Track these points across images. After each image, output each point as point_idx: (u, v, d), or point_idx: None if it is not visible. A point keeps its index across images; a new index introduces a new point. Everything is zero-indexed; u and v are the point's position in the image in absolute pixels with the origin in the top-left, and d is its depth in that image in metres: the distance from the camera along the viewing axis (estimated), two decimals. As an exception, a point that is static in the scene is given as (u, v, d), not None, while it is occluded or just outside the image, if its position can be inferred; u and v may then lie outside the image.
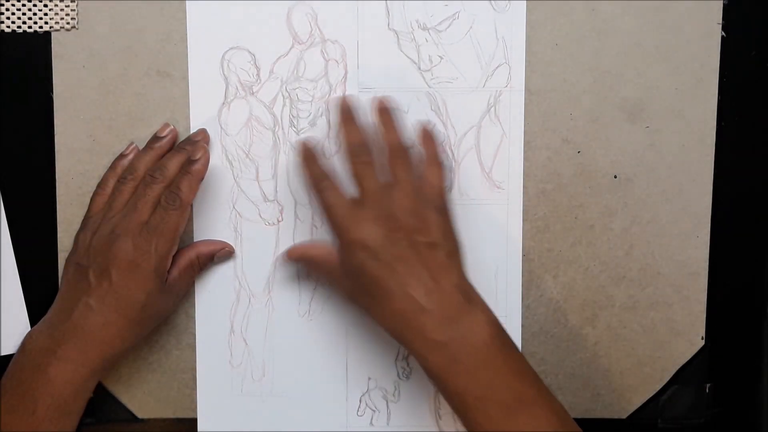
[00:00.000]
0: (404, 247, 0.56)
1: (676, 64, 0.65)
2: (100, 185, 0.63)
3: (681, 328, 0.67)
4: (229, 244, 0.65)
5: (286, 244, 0.65)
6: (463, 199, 0.65)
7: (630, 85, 0.65)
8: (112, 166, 0.63)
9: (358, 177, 0.59)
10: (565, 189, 0.66)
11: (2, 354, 0.64)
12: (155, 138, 0.63)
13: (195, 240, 0.65)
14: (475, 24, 0.64)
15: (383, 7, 0.64)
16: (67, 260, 0.62)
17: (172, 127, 0.63)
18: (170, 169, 0.61)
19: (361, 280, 0.56)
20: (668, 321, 0.67)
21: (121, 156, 0.63)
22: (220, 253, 0.64)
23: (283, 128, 0.65)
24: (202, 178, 0.61)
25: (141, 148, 0.64)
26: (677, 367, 0.67)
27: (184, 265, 0.62)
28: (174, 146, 0.63)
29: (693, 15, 0.64)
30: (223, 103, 0.65)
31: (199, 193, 0.63)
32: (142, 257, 0.59)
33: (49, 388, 0.58)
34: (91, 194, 0.64)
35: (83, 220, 0.62)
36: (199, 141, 0.63)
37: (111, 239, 0.59)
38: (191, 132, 0.64)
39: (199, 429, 0.67)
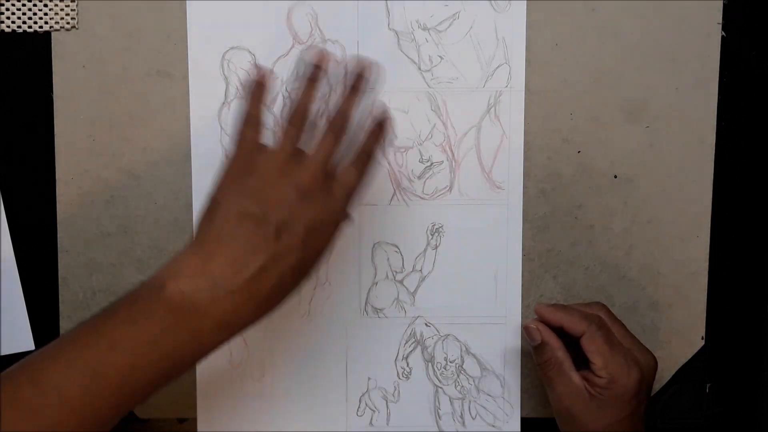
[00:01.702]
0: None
1: (676, 64, 0.65)
2: (248, 119, 0.55)
3: (681, 328, 0.67)
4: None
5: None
6: (463, 199, 0.65)
7: (630, 85, 0.65)
8: (254, 95, 0.56)
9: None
10: (565, 189, 0.66)
11: (2, 354, 0.64)
12: (315, 69, 0.56)
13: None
14: (475, 24, 0.64)
15: (383, 7, 0.64)
16: (222, 202, 0.53)
17: (324, 51, 0.57)
18: (352, 117, 0.55)
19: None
20: (668, 321, 0.67)
21: (259, 84, 0.56)
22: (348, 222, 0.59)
23: (283, 128, 0.65)
24: (388, 129, 0.57)
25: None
26: (677, 367, 0.67)
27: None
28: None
29: (693, 15, 0.64)
30: (223, 103, 0.65)
31: (200, 193, 0.63)
32: (331, 221, 0.54)
33: (198, 352, 0.52)
34: (91, 194, 0.64)
35: (236, 159, 0.54)
36: (369, 77, 0.57)
37: (299, 196, 0.52)
38: (191, 132, 0.64)
39: (198, 429, 0.67)
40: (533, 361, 0.63)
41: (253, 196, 0.52)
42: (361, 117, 0.57)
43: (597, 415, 0.59)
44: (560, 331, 0.61)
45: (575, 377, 0.60)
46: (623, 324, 0.62)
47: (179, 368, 0.52)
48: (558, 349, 0.61)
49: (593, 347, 0.59)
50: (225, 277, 0.51)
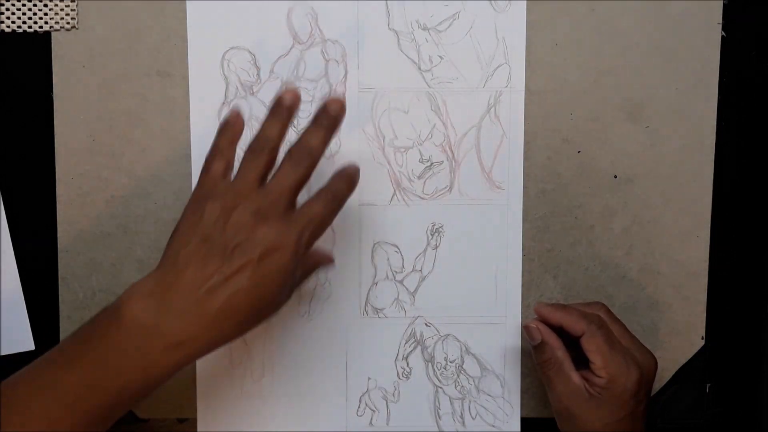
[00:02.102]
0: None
1: (676, 64, 0.65)
2: (215, 151, 0.55)
3: (681, 328, 0.67)
4: (331, 256, 0.62)
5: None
6: (463, 199, 0.65)
7: (630, 85, 0.65)
8: (222, 131, 0.56)
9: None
10: (565, 189, 0.66)
11: (2, 354, 0.64)
12: (279, 104, 0.55)
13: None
14: (475, 24, 0.64)
15: (383, 7, 0.64)
16: (184, 229, 0.54)
17: (296, 88, 0.56)
18: (318, 149, 0.54)
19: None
20: (668, 321, 0.67)
21: (228, 123, 0.56)
22: (327, 264, 0.61)
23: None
24: (356, 183, 0.56)
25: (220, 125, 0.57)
26: (677, 367, 0.67)
27: (304, 270, 0.57)
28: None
29: (693, 15, 0.64)
30: (223, 103, 0.65)
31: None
32: (287, 247, 0.52)
33: (145, 373, 0.52)
34: (90, 194, 0.65)
35: (199, 187, 0.55)
36: (340, 115, 0.55)
37: (255, 221, 0.52)
38: (191, 132, 0.64)
39: (198, 429, 0.67)
40: (533, 360, 0.63)
41: (210, 221, 0.53)
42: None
43: (596, 415, 0.59)
44: (560, 331, 0.61)
45: (575, 377, 0.60)
46: (623, 324, 0.62)
47: (132, 390, 0.52)
48: (558, 349, 0.61)
49: (593, 347, 0.59)
50: (174, 297, 0.51)
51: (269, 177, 0.54)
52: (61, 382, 0.52)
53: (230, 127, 0.56)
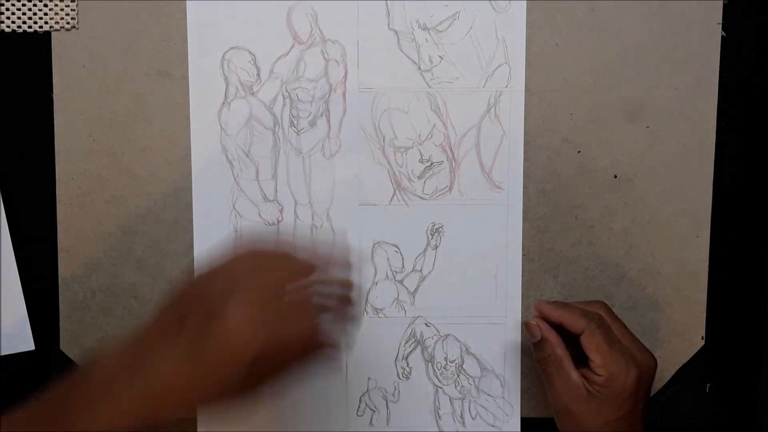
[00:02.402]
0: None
1: (676, 64, 0.65)
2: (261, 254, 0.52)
3: (681, 328, 0.67)
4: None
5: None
6: (463, 199, 0.66)
7: (630, 85, 0.65)
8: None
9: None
10: (565, 189, 0.66)
11: (2, 354, 0.64)
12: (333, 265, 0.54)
13: (194, 241, 0.65)
14: (475, 24, 0.64)
15: (383, 7, 0.64)
16: (173, 293, 0.51)
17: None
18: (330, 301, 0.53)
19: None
20: (668, 321, 0.67)
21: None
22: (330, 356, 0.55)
23: (283, 128, 0.65)
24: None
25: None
26: (677, 367, 0.67)
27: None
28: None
29: (693, 15, 0.64)
30: (223, 103, 0.65)
31: (200, 193, 0.64)
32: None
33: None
34: (90, 194, 0.65)
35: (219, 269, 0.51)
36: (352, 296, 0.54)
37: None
38: (191, 132, 0.64)
39: (198, 429, 0.67)
40: (533, 359, 0.63)
41: (195, 299, 0.50)
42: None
43: (595, 413, 0.59)
44: (560, 329, 0.61)
45: (574, 375, 0.60)
46: (623, 323, 0.62)
47: None
48: (557, 346, 0.61)
49: (592, 345, 0.59)
50: (137, 366, 0.49)
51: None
52: None
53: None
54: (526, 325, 0.62)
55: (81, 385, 0.50)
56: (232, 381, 0.51)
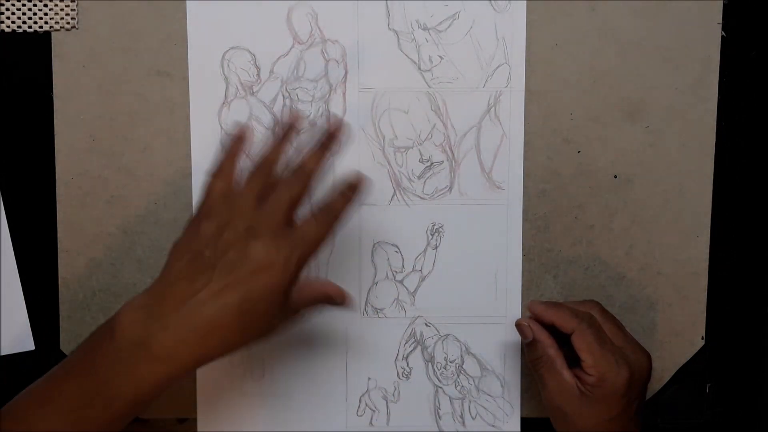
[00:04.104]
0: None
1: (676, 64, 0.65)
2: (218, 171, 0.56)
3: (681, 328, 0.67)
4: (352, 297, 0.60)
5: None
6: (463, 199, 0.66)
7: (630, 85, 0.65)
8: (230, 152, 0.56)
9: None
10: (565, 189, 0.66)
11: (2, 354, 0.64)
12: (285, 126, 0.57)
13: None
14: (475, 24, 0.64)
15: (383, 7, 0.64)
16: (180, 246, 0.54)
17: (299, 114, 0.58)
18: (314, 169, 0.55)
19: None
20: (668, 321, 0.67)
21: (238, 138, 0.57)
22: (342, 302, 0.59)
23: (283, 128, 0.65)
24: (361, 194, 0.56)
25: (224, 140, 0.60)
26: (677, 367, 0.67)
27: (308, 298, 0.57)
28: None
29: (693, 15, 0.64)
30: (223, 103, 0.65)
31: (199, 191, 0.63)
32: (277, 265, 0.52)
33: (133, 385, 0.52)
34: (90, 194, 0.65)
35: (201, 206, 0.55)
36: (338, 135, 0.56)
37: (247, 238, 0.52)
38: (191, 132, 0.64)
39: (198, 429, 0.67)
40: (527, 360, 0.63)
41: (204, 238, 0.53)
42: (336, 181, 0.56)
43: (587, 413, 0.59)
44: (554, 329, 0.61)
45: (566, 375, 0.60)
46: (618, 322, 0.62)
47: (123, 403, 0.52)
48: (549, 347, 0.61)
49: (583, 345, 0.59)
50: (162, 311, 0.52)
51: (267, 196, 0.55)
52: (60, 393, 0.53)
53: (236, 144, 0.57)
54: (518, 326, 0.62)
55: (115, 340, 0.52)
56: (275, 312, 0.54)
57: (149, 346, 0.51)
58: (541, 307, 0.62)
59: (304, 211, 0.55)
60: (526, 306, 0.64)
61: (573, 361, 0.60)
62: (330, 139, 0.56)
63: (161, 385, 0.52)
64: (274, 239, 0.53)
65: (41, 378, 0.55)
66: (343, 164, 0.65)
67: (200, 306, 0.52)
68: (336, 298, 0.59)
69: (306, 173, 0.55)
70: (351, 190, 0.56)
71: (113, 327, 0.52)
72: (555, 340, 0.61)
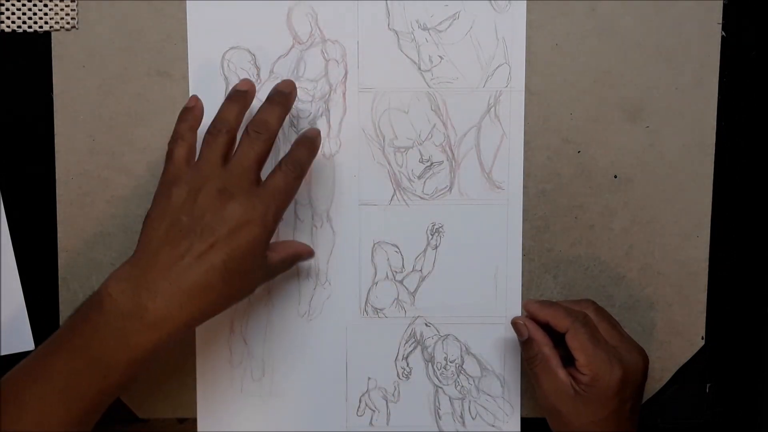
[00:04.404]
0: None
1: (676, 64, 0.65)
2: (176, 137, 0.58)
3: (681, 328, 0.67)
4: (312, 249, 0.64)
5: (286, 244, 0.65)
6: (463, 199, 0.65)
7: (630, 85, 0.65)
8: (182, 118, 0.59)
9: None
10: (565, 189, 0.66)
11: (2, 354, 0.64)
12: (236, 92, 0.59)
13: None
14: (476, 24, 0.64)
15: (383, 7, 0.64)
16: (154, 215, 0.55)
17: (251, 81, 0.60)
18: (273, 124, 0.57)
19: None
20: (668, 321, 0.67)
21: (187, 109, 0.59)
22: (305, 257, 0.63)
23: (283, 128, 0.65)
24: (318, 147, 0.60)
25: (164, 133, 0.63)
26: (677, 367, 0.67)
27: (282, 255, 0.60)
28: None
29: (693, 15, 0.64)
30: (223, 103, 0.65)
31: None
32: (255, 221, 0.55)
33: (127, 354, 0.53)
34: (90, 194, 0.65)
35: (165, 174, 0.57)
36: (291, 93, 0.60)
37: (221, 199, 0.55)
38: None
39: (199, 429, 0.67)
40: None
41: (178, 203, 0.55)
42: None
43: (581, 412, 0.60)
44: (550, 328, 0.61)
45: (561, 374, 0.60)
46: (614, 321, 0.62)
47: (116, 373, 0.53)
48: (544, 346, 0.61)
49: (576, 344, 0.59)
50: (149, 278, 0.53)
51: (230, 157, 0.57)
52: (52, 370, 0.53)
53: (189, 112, 0.59)
54: (513, 324, 0.63)
55: (104, 313, 0.53)
56: (256, 269, 0.57)
57: (140, 314, 0.53)
58: (536, 306, 0.62)
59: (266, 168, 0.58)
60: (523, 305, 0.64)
61: (568, 360, 0.60)
62: (282, 96, 0.59)
63: (154, 351, 0.53)
64: (249, 197, 0.55)
65: (29, 357, 0.55)
66: (343, 164, 0.65)
67: (187, 270, 0.53)
68: (303, 255, 0.63)
69: (267, 129, 0.57)
70: (310, 141, 0.59)
71: (101, 300, 0.53)
72: (551, 339, 0.61)
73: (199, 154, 0.57)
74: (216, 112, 0.65)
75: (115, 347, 0.53)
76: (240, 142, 0.57)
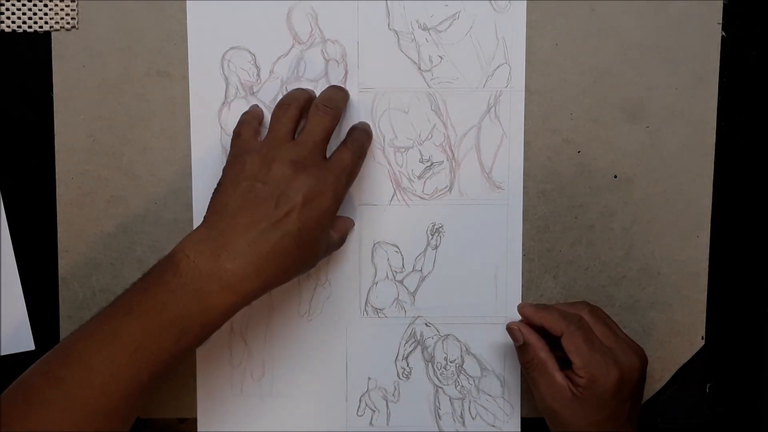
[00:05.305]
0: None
1: (676, 64, 0.65)
2: (242, 122, 0.62)
3: (681, 328, 0.67)
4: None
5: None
6: (463, 199, 0.66)
7: (630, 85, 0.65)
8: (246, 112, 0.63)
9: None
10: (565, 189, 0.66)
11: (2, 354, 0.64)
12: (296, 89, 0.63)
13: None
14: (476, 24, 0.64)
15: (383, 7, 0.64)
16: (227, 183, 0.57)
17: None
18: (340, 102, 0.61)
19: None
20: (668, 321, 0.67)
21: (249, 111, 0.63)
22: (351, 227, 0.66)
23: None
24: (372, 136, 0.64)
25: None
26: (677, 367, 0.67)
27: (340, 233, 0.63)
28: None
29: (693, 15, 0.64)
30: (223, 103, 0.65)
31: (200, 192, 0.64)
32: (326, 193, 0.57)
33: (202, 317, 0.54)
34: (90, 194, 0.65)
35: (234, 147, 0.60)
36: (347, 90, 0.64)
37: (295, 170, 0.56)
38: (191, 132, 0.65)
39: (199, 429, 0.67)
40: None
41: (252, 172, 0.57)
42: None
43: (579, 415, 0.60)
44: (546, 331, 0.61)
45: (558, 377, 0.60)
46: (610, 323, 0.62)
47: (191, 334, 0.54)
48: (540, 349, 0.61)
49: (572, 347, 0.59)
50: (227, 241, 0.54)
51: (298, 131, 0.59)
52: (123, 331, 0.53)
53: (252, 110, 0.63)
54: (508, 330, 0.63)
55: (180, 275, 0.54)
56: (323, 240, 0.59)
57: (219, 274, 0.53)
58: (531, 310, 0.62)
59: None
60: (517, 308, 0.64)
61: (565, 363, 0.60)
62: (341, 87, 0.63)
63: (228, 314, 0.54)
64: (320, 170, 0.57)
65: (92, 321, 0.55)
66: (343, 164, 0.65)
67: (265, 234, 0.55)
68: (350, 230, 0.65)
69: (336, 105, 0.60)
70: (367, 128, 0.63)
71: (177, 262, 0.54)
72: (546, 342, 0.61)
73: (270, 128, 0.59)
74: (216, 112, 0.65)
75: (191, 309, 0.53)
76: (309, 117, 0.59)
